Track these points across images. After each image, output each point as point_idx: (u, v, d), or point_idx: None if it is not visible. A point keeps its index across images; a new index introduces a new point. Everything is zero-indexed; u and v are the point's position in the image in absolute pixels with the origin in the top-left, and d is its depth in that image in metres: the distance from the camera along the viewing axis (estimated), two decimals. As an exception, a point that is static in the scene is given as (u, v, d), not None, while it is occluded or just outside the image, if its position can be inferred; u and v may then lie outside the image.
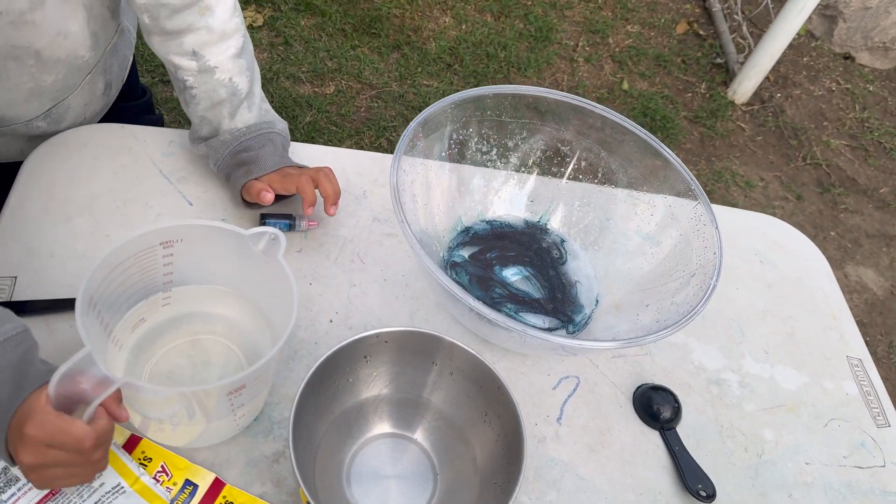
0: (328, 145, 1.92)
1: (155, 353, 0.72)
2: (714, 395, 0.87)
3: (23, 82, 0.80)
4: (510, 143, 0.93)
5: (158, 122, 1.16)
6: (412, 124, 0.81)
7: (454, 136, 0.89)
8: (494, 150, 0.93)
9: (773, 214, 2.24)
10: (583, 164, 0.94)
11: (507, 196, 0.96)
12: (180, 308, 0.74)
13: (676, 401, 0.83)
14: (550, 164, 0.95)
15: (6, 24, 0.72)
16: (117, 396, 0.59)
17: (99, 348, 0.63)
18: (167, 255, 0.68)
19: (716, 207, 1.07)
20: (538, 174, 0.96)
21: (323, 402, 0.70)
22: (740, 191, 2.28)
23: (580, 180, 0.94)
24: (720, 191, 2.26)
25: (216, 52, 0.83)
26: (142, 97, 1.11)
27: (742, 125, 2.50)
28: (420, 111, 0.82)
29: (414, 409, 0.75)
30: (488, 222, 0.94)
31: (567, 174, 0.95)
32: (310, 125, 1.90)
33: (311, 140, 1.87)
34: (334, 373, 0.69)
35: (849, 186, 2.40)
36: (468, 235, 0.92)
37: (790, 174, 2.38)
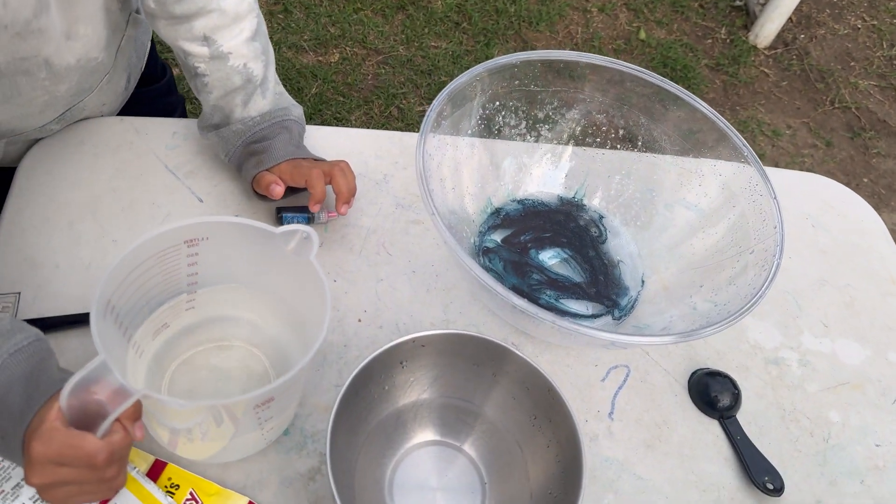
0: (336, 117, 1.85)
1: (177, 360, 0.67)
2: (773, 376, 0.81)
3: (36, 97, 0.73)
4: (541, 115, 0.86)
5: (181, 104, 1.08)
6: (436, 102, 0.74)
7: (481, 111, 0.81)
8: (524, 123, 0.86)
9: (802, 164, 2.15)
10: (620, 132, 0.86)
11: (540, 172, 0.89)
12: (205, 312, 0.68)
13: (735, 386, 0.77)
14: (585, 134, 0.87)
15: (12, 36, 0.64)
16: (136, 410, 0.53)
17: (117, 356, 0.58)
18: (192, 255, 0.62)
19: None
20: (573, 146, 0.88)
21: (359, 413, 0.65)
22: (767, 140, 2.19)
23: (618, 149, 0.87)
24: (746, 141, 2.17)
25: (229, 35, 0.76)
26: (161, 78, 1.01)
27: (766, 71, 2.39)
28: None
29: (456, 414, 0.69)
30: (520, 202, 0.87)
31: (604, 144, 0.87)
32: (316, 97, 1.82)
33: (318, 112, 1.79)
34: (369, 382, 0.64)
35: (880, 129, 2.30)
36: (499, 217, 0.85)
37: (818, 120, 2.28)
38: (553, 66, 0.82)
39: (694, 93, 2.22)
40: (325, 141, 0.90)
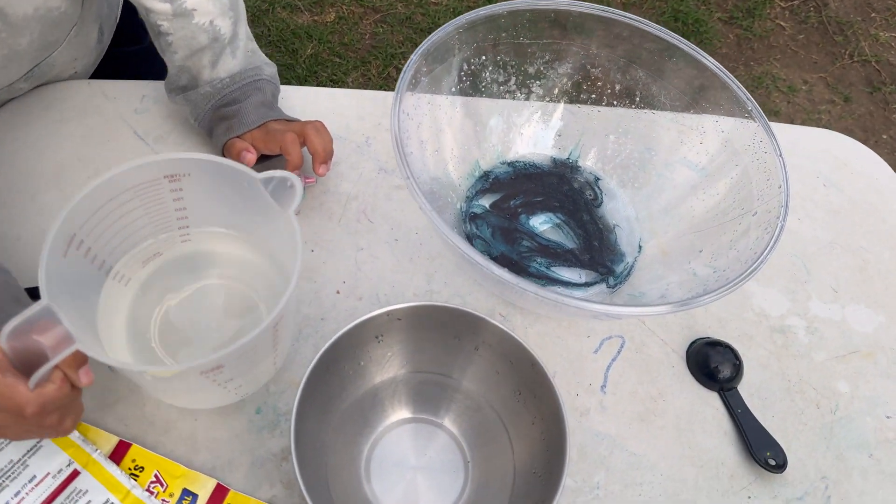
0: (333, 79, 1.79)
1: (172, 292, 0.64)
2: (779, 345, 0.76)
3: None
4: (531, 70, 0.81)
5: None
6: (413, 57, 0.69)
7: (465, 67, 0.76)
8: (513, 80, 0.81)
9: (819, 120, 2.07)
10: (617, 87, 0.81)
11: (531, 132, 0.83)
12: (201, 245, 0.65)
13: (737, 356, 0.73)
14: (579, 90, 0.82)
15: None
16: (78, 359, 0.50)
17: (86, 291, 0.56)
18: (176, 191, 0.58)
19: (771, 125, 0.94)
20: (565, 103, 0.83)
21: (331, 391, 0.61)
22: (783, 96, 2.11)
23: (614, 106, 0.81)
24: (760, 98, 2.09)
25: None
26: (143, 40, 0.91)
27: (782, 23, 2.29)
28: (429, 33, 0.70)
29: (437, 390, 0.66)
30: (510, 164, 0.83)
31: (600, 101, 0.82)
32: (311, 58, 1.76)
33: (313, 74, 1.74)
34: (341, 358, 0.60)
35: (901, 83, 2.21)
36: (488, 181, 0.81)
37: (836, 74, 2.19)
38: (543, 15, 0.76)
39: (706, 47, 2.14)
40: (303, 102, 0.86)
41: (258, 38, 1.78)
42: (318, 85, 1.75)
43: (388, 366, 0.64)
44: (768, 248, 0.62)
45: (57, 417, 0.51)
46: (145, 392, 0.64)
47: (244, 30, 0.77)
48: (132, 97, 0.82)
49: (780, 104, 2.09)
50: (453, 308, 0.61)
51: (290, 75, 1.70)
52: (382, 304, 0.70)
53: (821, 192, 0.90)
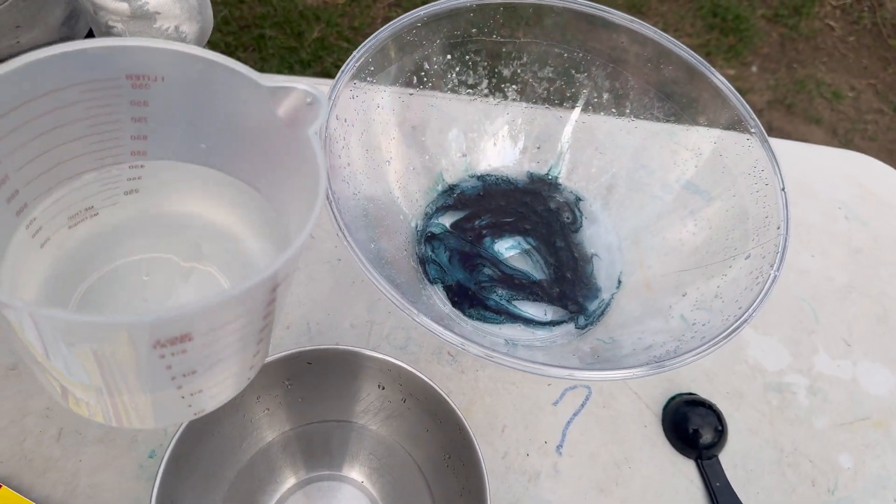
0: (337, 65, 1.70)
1: (104, 266, 0.44)
2: (773, 406, 0.65)
3: None
4: (506, 72, 0.70)
5: None
6: (356, 52, 0.59)
7: (426, 66, 0.66)
8: (486, 82, 0.71)
9: (865, 131, 1.92)
10: (605, 96, 0.70)
11: (505, 142, 0.73)
12: (153, 199, 0.44)
13: (720, 420, 0.63)
14: (562, 97, 0.72)
15: None
16: None
17: None
18: (139, 104, 0.39)
19: (783, 144, 0.82)
20: (547, 110, 0.73)
21: (214, 455, 0.52)
22: (826, 103, 1.96)
23: (601, 115, 0.71)
24: (802, 103, 1.94)
25: None
26: None
27: (831, 23, 2.13)
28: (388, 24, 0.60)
29: (359, 445, 0.57)
30: (480, 178, 0.73)
31: (586, 110, 0.71)
32: (317, 42, 1.67)
33: (317, 59, 1.65)
34: (223, 416, 0.50)
35: (959, 93, 2.03)
36: (452, 197, 0.71)
37: (888, 81, 2.03)
38: (519, 10, 0.66)
39: (746, 46, 2.00)
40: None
41: (262, 18, 1.70)
42: (321, 71, 1.66)
43: (288, 418, 0.55)
44: (756, 302, 0.52)
45: None
46: (50, 396, 0.45)
47: (209, 33, 0.68)
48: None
49: (823, 111, 1.94)
50: (378, 357, 0.52)
51: (293, 59, 1.62)
52: (313, 334, 0.61)
53: (840, 225, 0.78)
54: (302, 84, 0.38)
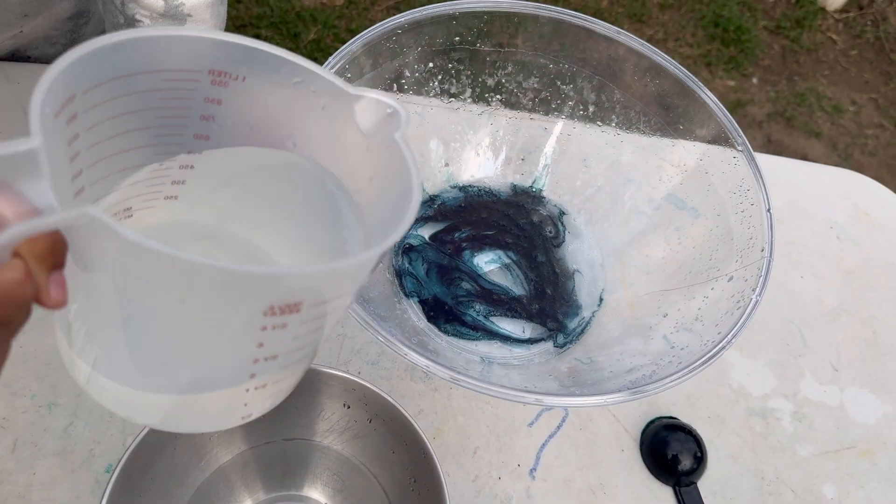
0: (332, 69, 1.68)
1: None
2: (756, 432, 0.63)
3: None
4: (490, 82, 0.69)
5: None
6: (331, 59, 0.57)
7: (407, 74, 0.65)
8: (469, 91, 0.69)
9: (865, 146, 1.90)
10: (591, 108, 0.68)
11: (488, 153, 0.72)
12: (194, 210, 0.39)
13: (699, 446, 0.61)
14: (548, 108, 0.70)
15: None
16: (55, 251, 0.27)
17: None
18: (213, 101, 0.36)
19: (777, 160, 0.81)
20: (533, 120, 0.71)
21: (168, 474, 0.50)
22: (826, 117, 1.94)
23: (585, 126, 0.69)
24: (802, 116, 1.92)
25: None
26: None
27: (833, 37, 2.11)
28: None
29: (313, 462, 0.55)
30: (461, 189, 0.71)
31: (568, 121, 0.70)
32: (313, 44, 1.66)
33: (314, 61, 1.63)
34: (178, 434, 0.49)
35: (961, 110, 2.01)
36: (432, 208, 0.69)
37: (889, 96, 2.01)
38: (504, 19, 0.64)
39: (747, 58, 1.98)
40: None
41: (259, 18, 1.68)
42: (317, 73, 1.64)
43: (245, 437, 0.53)
44: (735, 328, 0.50)
45: None
46: (77, 384, 0.35)
47: None
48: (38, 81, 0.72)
49: (823, 125, 1.92)
50: (342, 376, 0.50)
51: (288, 61, 1.61)
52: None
53: (832, 246, 0.76)
54: (381, 95, 0.36)
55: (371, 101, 0.35)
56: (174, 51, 0.33)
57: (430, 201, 0.70)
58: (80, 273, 0.28)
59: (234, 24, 1.67)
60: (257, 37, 1.85)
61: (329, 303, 0.30)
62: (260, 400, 0.34)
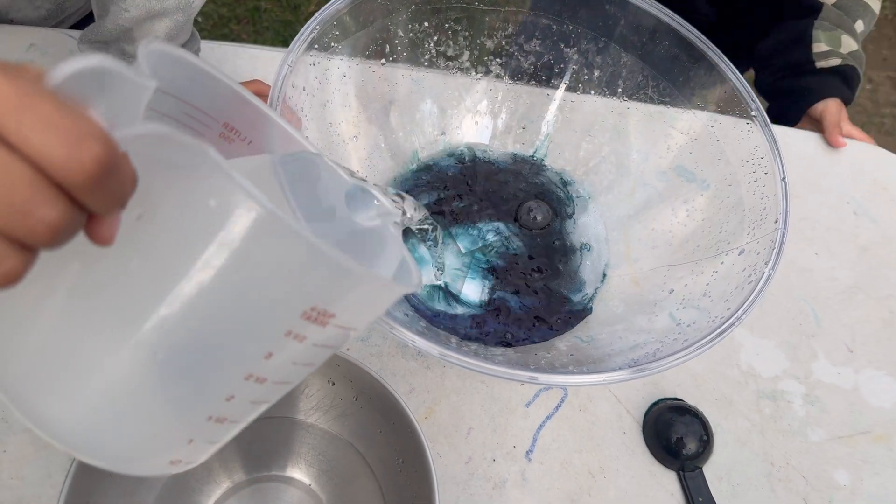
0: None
1: None
2: (766, 415, 0.60)
3: None
4: (489, 44, 0.65)
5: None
6: (318, 15, 0.54)
7: (400, 34, 0.61)
8: (467, 55, 0.65)
9: (881, 125, 1.84)
10: (596, 73, 0.65)
11: (486, 120, 0.68)
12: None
13: (706, 429, 0.58)
14: (549, 73, 0.66)
15: None
16: (126, 182, 0.22)
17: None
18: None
19: (791, 132, 0.77)
20: (533, 87, 0.67)
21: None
22: (841, 94, 1.89)
23: (591, 94, 0.66)
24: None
25: None
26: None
27: (850, 12, 2.06)
28: None
29: (297, 441, 0.52)
30: (457, 156, 0.67)
31: (574, 88, 0.66)
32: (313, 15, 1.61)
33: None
34: None
35: (981, 89, 1.96)
36: (429, 174, 0.66)
37: (907, 73, 1.95)
38: (504, -23, 0.61)
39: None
40: (223, 64, 0.72)
41: (259, -11, 1.64)
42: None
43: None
44: (746, 303, 0.47)
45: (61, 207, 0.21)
46: None
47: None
48: (17, 45, 0.69)
49: (838, 103, 1.87)
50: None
51: (288, 33, 1.56)
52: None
53: (849, 222, 0.72)
54: (384, 203, 0.37)
55: (368, 204, 0.37)
56: (206, 88, 0.32)
57: (425, 169, 0.66)
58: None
59: (234, -5, 1.63)
60: (256, 9, 1.78)
61: (344, 329, 0.29)
62: (202, 442, 0.29)
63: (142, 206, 0.24)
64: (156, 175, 0.24)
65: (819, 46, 0.80)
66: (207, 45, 0.71)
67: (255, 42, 1.58)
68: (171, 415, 0.27)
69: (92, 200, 0.21)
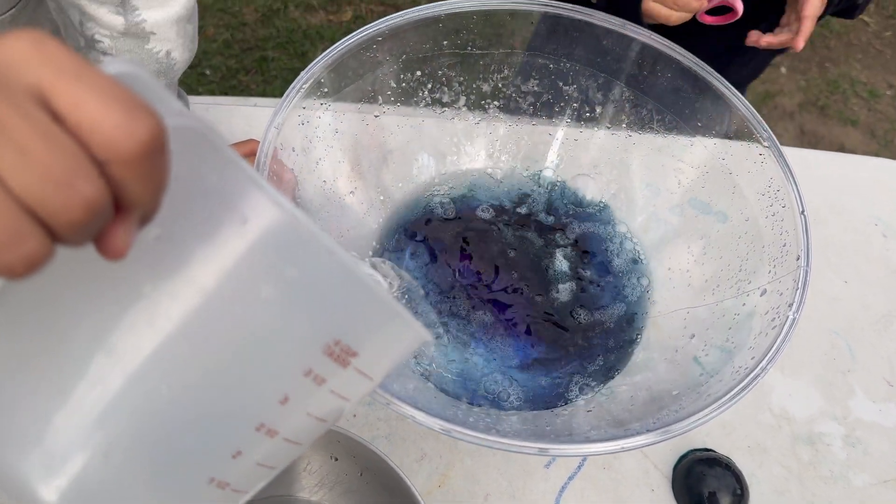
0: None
1: None
2: (804, 461, 0.56)
3: None
4: (486, 87, 0.63)
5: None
6: (303, 74, 0.52)
7: (392, 84, 0.59)
8: (463, 100, 0.63)
9: (906, 131, 1.79)
10: (598, 108, 0.62)
11: (488, 165, 0.66)
12: None
13: (739, 481, 0.54)
14: (550, 110, 0.64)
15: None
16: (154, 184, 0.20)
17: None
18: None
19: (811, 154, 0.73)
20: (534, 126, 0.65)
21: None
22: (862, 103, 1.84)
23: (595, 130, 0.63)
24: (836, 104, 1.82)
25: (157, 6, 0.56)
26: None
27: (865, 18, 2.01)
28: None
29: (311, 522, 0.49)
30: (460, 203, 0.65)
31: (575, 124, 0.64)
32: (320, 62, 1.62)
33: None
34: None
35: None
36: (425, 229, 0.64)
37: (928, 77, 1.90)
38: (496, 19, 0.59)
39: (772, 47, 1.89)
40: (217, 120, 0.70)
41: (266, 40, 1.65)
42: (325, 91, 1.60)
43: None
44: (771, 352, 0.43)
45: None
46: None
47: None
48: None
49: (860, 112, 1.82)
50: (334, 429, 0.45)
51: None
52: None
53: (878, 246, 0.68)
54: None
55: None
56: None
57: (422, 218, 0.64)
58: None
59: (241, 47, 1.64)
60: (264, 59, 1.78)
61: (362, 376, 0.26)
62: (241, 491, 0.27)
63: (161, 227, 0.22)
64: (179, 189, 0.22)
65: None
66: (212, 100, 0.70)
67: (263, 92, 1.58)
68: (171, 474, 0.25)
69: (133, 182, 0.19)
